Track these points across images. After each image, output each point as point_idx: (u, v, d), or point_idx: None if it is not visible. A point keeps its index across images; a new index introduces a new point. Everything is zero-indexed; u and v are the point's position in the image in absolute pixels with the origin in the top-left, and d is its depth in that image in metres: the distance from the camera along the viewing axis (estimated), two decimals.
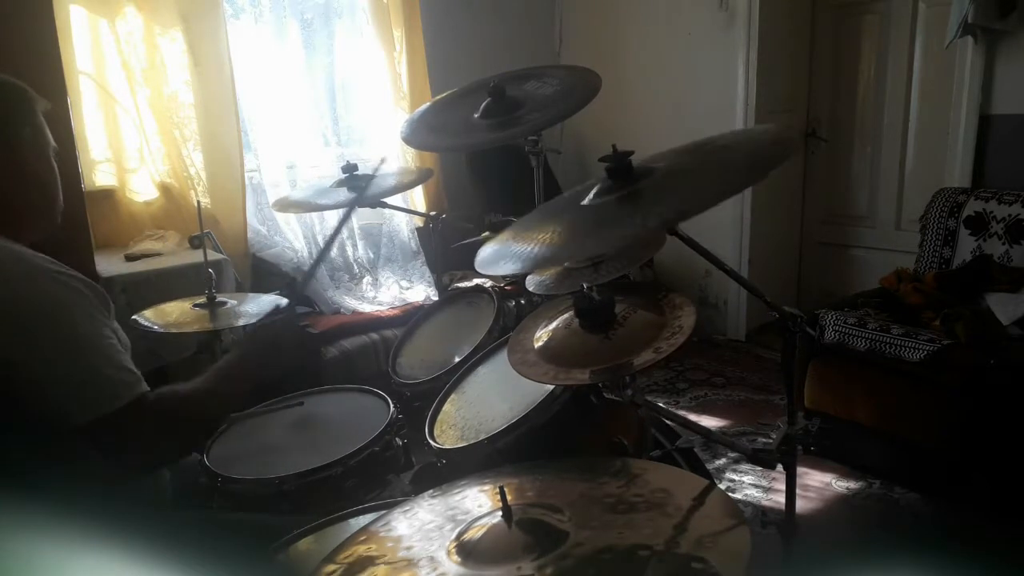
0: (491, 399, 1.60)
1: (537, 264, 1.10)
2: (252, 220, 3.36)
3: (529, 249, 1.09)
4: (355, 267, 3.64)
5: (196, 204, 2.88)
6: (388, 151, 3.73)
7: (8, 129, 1.20)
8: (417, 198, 3.92)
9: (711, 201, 1.00)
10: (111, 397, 1.12)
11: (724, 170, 1.11)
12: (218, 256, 2.86)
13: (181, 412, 1.22)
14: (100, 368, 1.13)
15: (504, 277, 2.08)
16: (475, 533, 0.86)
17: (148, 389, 1.17)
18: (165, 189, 3.15)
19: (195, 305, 2.02)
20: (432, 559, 0.83)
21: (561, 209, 1.24)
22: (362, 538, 0.93)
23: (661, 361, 1.22)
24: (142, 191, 3.12)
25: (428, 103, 1.96)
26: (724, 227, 3.91)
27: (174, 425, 1.21)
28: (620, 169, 1.08)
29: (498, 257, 1.12)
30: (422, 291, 3.59)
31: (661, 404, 3.29)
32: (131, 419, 1.13)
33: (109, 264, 2.73)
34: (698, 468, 1.84)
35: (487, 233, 1.81)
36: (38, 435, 1.13)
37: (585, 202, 1.11)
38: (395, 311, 3.37)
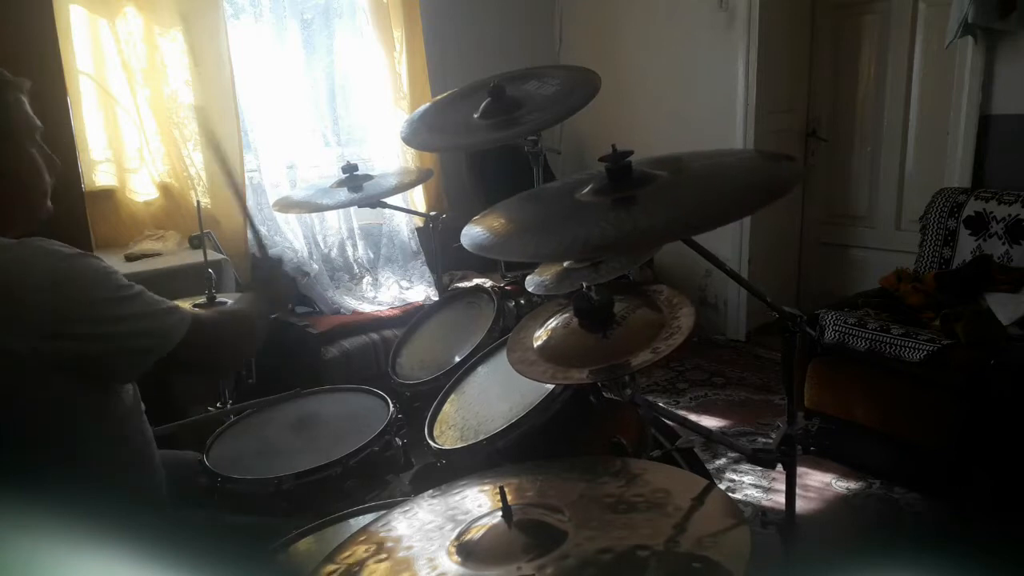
0: (491, 399, 1.60)
1: (484, 249, 1.10)
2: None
3: (481, 233, 1.12)
4: (355, 267, 3.64)
5: (196, 204, 2.88)
6: (388, 151, 3.74)
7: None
8: (417, 198, 3.92)
9: (696, 230, 0.99)
10: (171, 328, 1.19)
11: (719, 196, 1.10)
12: (218, 256, 2.86)
13: (229, 322, 1.34)
14: (151, 310, 1.18)
15: (504, 276, 2.08)
16: (475, 533, 0.86)
17: (194, 310, 1.25)
18: (165, 189, 3.15)
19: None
20: (432, 559, 0.83)
21: (549, 197, 1.24)
22: (362, 538, 0.93)
23: (660, 361, 1.22)
24: (142, 191, 3.12)
25: (428, 103, 1.96)
26: (724, 227, 3.90)
27: (230, 329, 1.33)
28: (617, 171, 1.08)
29: (465, 235, 1.14)
30: (422, 291, 3.59)
31: (661, 404, 3.30)
32: (198, 337, 1.21)
33: (109, 264, 2.73)
34: (698, 468, 1.84)
35: None
36: (45, 433, 1.13)
37: (578, 196, 1.11)
38: (395, 311, 3.37)
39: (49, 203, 1.27)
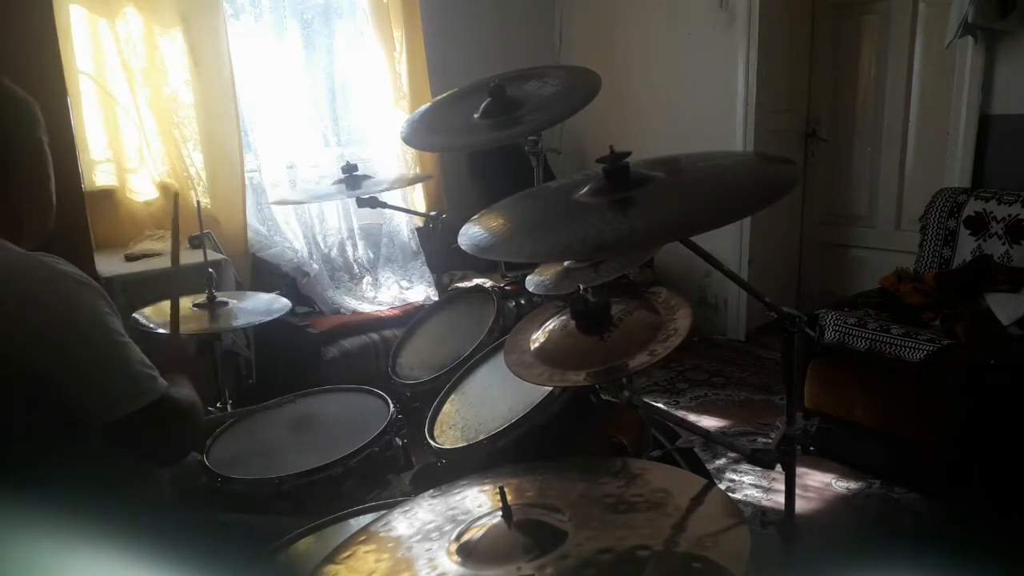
0: (491, 399, 1.60)
1: (481, 250, 1.10)
2: (252, 220, 3.36)
3: (478, 232, 1.11)
4: (355, 267, 3.64)
5: (196, 204, 2.88)
6: (388, 151, 3.73)
7: (29, 136, 1.20)
8: (417, 198, 3.92)
9: (696, 230, 1.00)
10: (141, 393, 1.14)
11: (716, 197, 1.10)
12: (218, 256, 2.86)
13: (189, 410, 1.25)
14: (127, 366, 1.14)
15: (504, 276, 2.08)
16: (475, 533, 0.86)
17: (167, 384, 1.19)
18: (165, 189, 3.14)
19: (195, 305, 2.02)
20: (432, 559, 0.83)
21: (546, 197, 1.24)
22: (362, 538, 0.93)
23: (659, 362, 1.22)
24: (142, 191, 3.12)
25: (428, 103, 1.96)
26: (724, 227, 3.90)
27: (190, 421, 1.25)
28: (614, 173, 1.08)
29: (462, 235, 1.14)
30: (422, 291, 3.59)
31: (661, 404, 3.30)
32: (159, 414, 1.15)
33: (109, 264, 2.73)
34: (698, 468, 1.84)
35: None
36: (46, 435, 1.13)
37: (576, 196, 1.11)
38: (395, 311, 3.37)
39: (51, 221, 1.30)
